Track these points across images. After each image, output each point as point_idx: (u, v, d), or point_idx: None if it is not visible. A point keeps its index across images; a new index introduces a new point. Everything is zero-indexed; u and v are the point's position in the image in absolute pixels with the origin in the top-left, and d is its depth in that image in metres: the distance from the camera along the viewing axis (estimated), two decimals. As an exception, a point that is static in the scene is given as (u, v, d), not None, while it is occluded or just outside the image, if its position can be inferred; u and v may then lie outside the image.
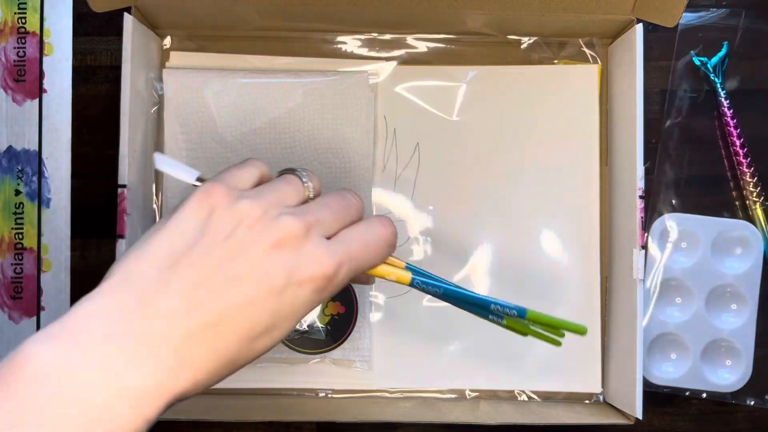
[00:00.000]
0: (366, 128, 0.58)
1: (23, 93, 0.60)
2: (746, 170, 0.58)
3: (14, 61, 0.60)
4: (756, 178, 0.58)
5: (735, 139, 0.58)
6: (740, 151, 0.58)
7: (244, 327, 0.34)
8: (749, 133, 0.59)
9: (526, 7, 0.54)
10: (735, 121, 0.58)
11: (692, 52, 0.59)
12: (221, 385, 0.57)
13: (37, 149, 0.59)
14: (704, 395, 0.58)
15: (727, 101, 0.59)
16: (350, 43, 0.59)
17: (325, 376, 0.58)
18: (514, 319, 0.43)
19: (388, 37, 0.59)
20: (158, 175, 0.58)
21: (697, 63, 0.59)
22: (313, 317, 0.56)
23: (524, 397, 0.58)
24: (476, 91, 0.59)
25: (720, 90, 0.59)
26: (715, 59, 0.59)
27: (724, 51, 0.59)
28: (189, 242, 0.34)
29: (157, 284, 0.33)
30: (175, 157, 0.57)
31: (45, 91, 0.60)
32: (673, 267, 0.58)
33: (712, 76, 0.59)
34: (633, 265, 0.52)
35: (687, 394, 0.58)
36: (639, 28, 0.53)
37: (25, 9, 0.60)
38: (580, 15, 0.55)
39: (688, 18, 0.60)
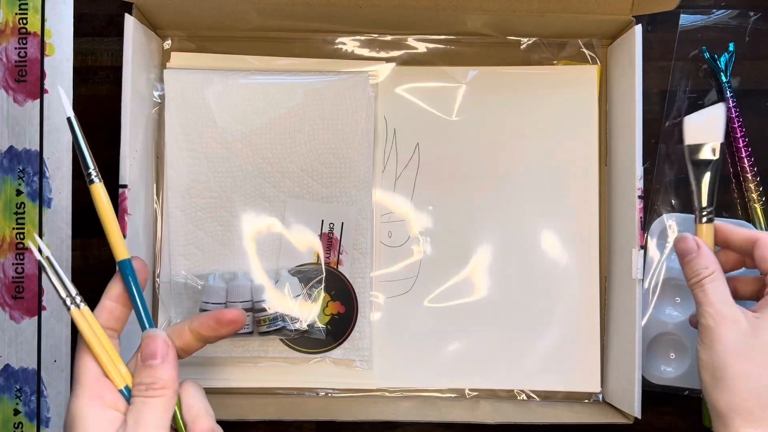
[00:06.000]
0: (366, 129, 0.58)
1: (24, 93, 0.60)
2: (748, 170, 0.58)
3: (15, 61, 0.60)
4: (758, 178, 0.58)
5: (738, 138, 0.58)
6: (743, 150, 0.58)
7: None
8: (750, 133, 0.59)
9: (526, 7, 0.54)
10: (739, 121, 0.58)
11: (704, 47, 0.59)
12: (221, 384, 0.58)
13: (38, 149, 0.60)
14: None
15: (734, 100, 0.59)
16: (350, 43, 0.59)
17: (326, 376, 0.58)
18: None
19: (388, 37, 0.59)
20: (159, 176, 0.58)
21: (708, 58, 0.59)
22: (314, 317, 0.57)
23: (523, 397, 0.58)
24: (476, 92, 0.59)
25: (727, 89, 0.59)
26: (723, 58, 0.59)
27: (731, 50, 0.59)
28: None
29: None
30: (176, 157, 0.57)
31: (46, 91, 0.60)
32: (672, 267, 0.58)
33: (721, 75, 0.59)
34: (632, 265, 0.53)
35: (686, 393, 0.58)
36: (638, 28, 0.53)
37: (26, 9, 0.60)
38: (580, 15, 0.55)
39: (687, 19, 0.60)
